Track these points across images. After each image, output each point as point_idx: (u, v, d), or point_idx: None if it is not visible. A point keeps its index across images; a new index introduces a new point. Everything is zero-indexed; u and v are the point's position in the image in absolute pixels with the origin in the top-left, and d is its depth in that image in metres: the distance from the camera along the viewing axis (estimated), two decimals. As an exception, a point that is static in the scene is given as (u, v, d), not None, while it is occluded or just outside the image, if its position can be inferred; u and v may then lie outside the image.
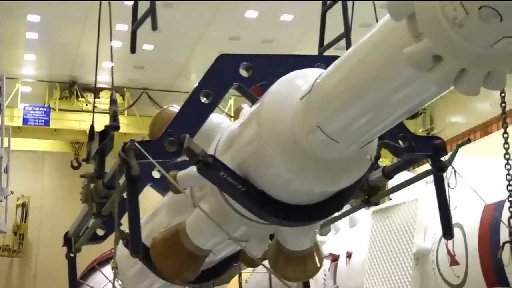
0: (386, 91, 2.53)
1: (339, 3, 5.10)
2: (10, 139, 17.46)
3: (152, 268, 4.14)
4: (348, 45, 4.69)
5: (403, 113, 2.72)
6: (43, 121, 29.89)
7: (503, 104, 5.85)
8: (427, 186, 8.61)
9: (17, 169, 28.05)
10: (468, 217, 7.36)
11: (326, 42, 5.19)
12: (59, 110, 30.39)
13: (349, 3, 5.23)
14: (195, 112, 3.62)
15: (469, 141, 4.41)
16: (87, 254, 6.94)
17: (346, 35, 4.92)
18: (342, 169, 3.04)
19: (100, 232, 5.19)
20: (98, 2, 5.48)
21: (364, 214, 10.61)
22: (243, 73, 3.72)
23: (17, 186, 28.81)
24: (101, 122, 4.62)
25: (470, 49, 2.06)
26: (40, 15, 24.94)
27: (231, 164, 3.42)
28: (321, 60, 3.25)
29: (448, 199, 4.07)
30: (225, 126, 3.96)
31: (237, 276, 11.98)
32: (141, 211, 3.62)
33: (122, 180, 3.73)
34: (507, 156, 5.83)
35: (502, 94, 5.83)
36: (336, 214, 4.62)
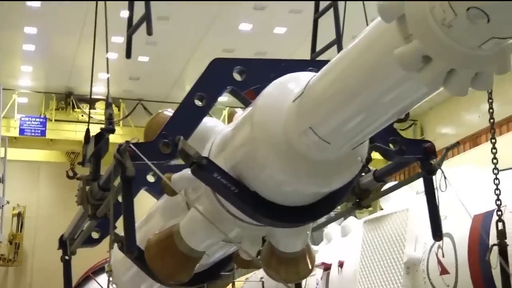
0: (377, 92, 2.54)
1: (331, 11, 5.13)
2: (6, 149, 17.40)
3: (146, 270, 4.13)
4: (340, 51, 4.70)
5: (394, 114, 2.73)
6: (39, 131, 29.81)
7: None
8: (418, 196, 8.62)
9: (13, 179, 27.92)
10: (457, 227, 7.37)
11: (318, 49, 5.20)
12: (55, 120, 30.31)
13: (341, 11, 5.24)
14: (189, 114, 3.63)
15: (457, 144, 4.44)
16: (84, 257, 6.90)
17: (338, 41, 4.94)
18: (334, 171, 3.05)
19: (95, 235, 5.18)
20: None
21: (355, 224, 10.61)
22: (237, 77, 3.73)
23: (13, 195, 28.64)
24: (97, 132, 4.61)
25: (458, 49, 2.07)
26: (37, 27, 24.95)
27: (225, 166, 3.42)
28: (313, 64, 3.26)
29: (437, 202, 4.08)
30: (218, 130, 3.97)
31: (230, 285, 11.92)
32: (136, 216, 3.61)
33: (117, 182, 3.73)
34: (494, 161, 5.84)
35: (491, 110, 5.86)
36: (329, 216, 4.63)
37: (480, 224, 6.98)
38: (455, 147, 4.34)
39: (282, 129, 3.01)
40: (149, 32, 4.29)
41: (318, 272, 10.79)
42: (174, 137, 3.51)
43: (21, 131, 29.50)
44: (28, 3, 23.27)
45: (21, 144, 29.66)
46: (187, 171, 3.55)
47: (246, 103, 3.70)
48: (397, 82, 2.42)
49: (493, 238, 6.29)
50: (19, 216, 32.41)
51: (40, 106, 30.87)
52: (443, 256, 7.55)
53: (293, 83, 3.11)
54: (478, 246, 6.94)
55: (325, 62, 2.97)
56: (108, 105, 4.49)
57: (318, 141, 2.86)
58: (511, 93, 26.07)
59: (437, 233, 4.09)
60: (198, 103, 3.64)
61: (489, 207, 6.19)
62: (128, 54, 4.69)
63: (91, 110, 26.90)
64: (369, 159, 3.50)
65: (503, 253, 5.81)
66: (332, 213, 4.22)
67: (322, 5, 5.38)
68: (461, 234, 7.28)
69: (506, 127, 25.64)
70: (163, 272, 3.87)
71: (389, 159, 3.94)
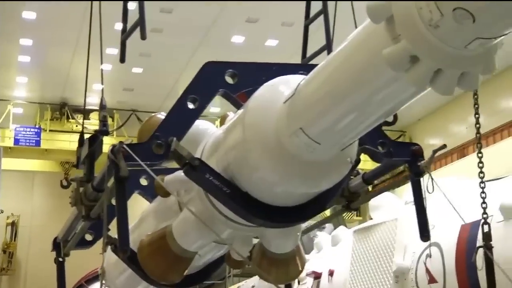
0: (366, 92, 2.56)
1: (321, 18, 5.17)
2: (1, 159, 17.36)
3: (139, 272, 4.12)
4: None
5: (383, 114, 2.74)
6: (34, 141, 29.75)
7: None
8: (407, 206, 8.64)
9: (7, 189, 27.80)
10: (445, 236, 7.38)
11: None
12: (50, 131, 30.27)
13: (332, 18, 5.29)
14: (182, 116, 3.63)
15: (444, 146, 4.47)
16: (78, 264, 6.86)
17: (328, 47, 4.97)
18: (324, 171, 3.06)
19: (88, 237, 5.17)
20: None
21: (345, 233, 10.61)
22: (229, 80, 3.73)
23: (7, 205, 28.49)
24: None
25: (445, 49, 2.09)
26: (32, 39, 24.95)
27: (217, 167, 3.43)
28: (304, 68, 3.27)
29: (425, 204, 4.10)
30: (211, 132, 3.97)
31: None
32: (129, 219, 3.60)
33: (110, 183, 3.72)
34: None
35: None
36: (319, 219, 4.61)
37: (468, 234, 7.00)
38: (442, 149, 4.37)
39: (273, 130, 3.02)
40: (143, 36, 4.30)
41: (308, 281, 10.77)
42: (167, 138, 3.51)
43: (16, 141, 29.43)
44: (24, 14, 23.27)
45: (15, 154, 29.59)
46: (180, 173, 3.55)
47: (238, 106, 3.70)
48: (386, 82, 2.44)
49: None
50: (13, 225, 32.25)
51: (35, 117, 30.81)
52: (431, 265, 7.56)
53: (284, 85, 3.12)
54: (465, 255, 6.96)
55: (316, 66, 2.98)
56: (102, 107, 4.49)
57: (308, 141, 2.88)
58: (497, 105, 26.24)
59: (424, 233, 4.10)
60: (190, 105, 3.64)
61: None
62: (122, 59, 4.69)
63: (85, 121, 26.88)
64: (358, 161, 3.51)
65: (488, 256, 5.86)
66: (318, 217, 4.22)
67: (313, 12, 5.42)
68: (449, 243, 7.30)
69: (492, 139, 25.78)
70: (155, 272, 3.86)
71: (378, 161, 3.95)
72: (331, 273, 10.25)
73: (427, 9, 2.03)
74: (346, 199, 4.33)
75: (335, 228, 12.96)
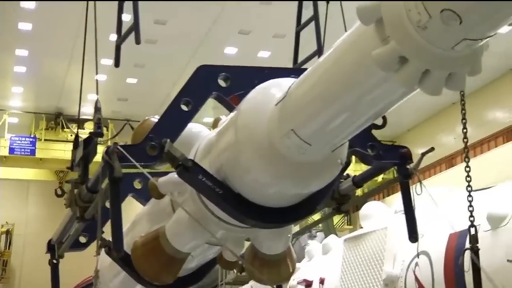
0: (356, 93, 2.57)
1: (312, 24, 5.21)
2: (-4, 168, 17.26)
3: (133, 274, 4.11)
4: None
5: (372, 115, 2.76)
6: (29, 150, 29.63)
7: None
8: (396, 215, 8.66)
9: (2, 197, 27.65)
10: (434, 245, 7.39)
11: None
12: (45, 140, 30.15)
13: (323, 24, 5.32)
14: (175, 118, 3.64)
15: (432, 149, 4.50)
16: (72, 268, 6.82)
17: (319, 53, 5.00)
18: (315, 172, 3.07)
19: (82, 239, 5.16)
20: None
21: (336, 242, 10.61)
22: (222, 83, 3.76)
23: (2, 213, 28.34)
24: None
25: (433, 50, 2.11)
26: (28, 49, 24.90)
27: (210, 169, 3.43)
28: (296, 72, 3.28)
29: (413, 205, 4.10)
30: (204, 135, 3.98)
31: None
32: (123, 222, 3.60)
33: (105, 184, 3.72)
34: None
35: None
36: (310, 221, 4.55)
37: (456, 242, 7.01)
38: (430, 152, 4.40)
39: (265, 132, 3.03)
40: (137, 41, 4.31)
41: (300, 289, 10.75)
42: (160, 140, 3.52)
43: (11, 150, 29.31)
44: (20, 26, 23.24)
45: (11, 163, 29.47)
46: (173, 175, 3.55)
47: (230, 109, 3.71)
48: (375, 83, 2.45)
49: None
50: (8, 233, 32.06)
51: (30, 126, 30.71)
52: (420, 273, 7.56)
53: (276, 88, 3.14)
54: (453, 264, 6.97)
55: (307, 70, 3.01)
56: (96, 110, 4.52)
57: (299, 143, 2.88)
58: (485, 117, 26.37)
59: (412, 234, 4.12)
60: (184, 107, 3.66)
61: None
62: (117, 64, 4.70)
63: (79, 130, 26.83)
64: (348, 163, 3.53)
65: (475, 255, 5.90)
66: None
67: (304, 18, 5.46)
68: (437, 252, 7.31)
69: (480, 149, 25.89)
70: (149, 273, 3.86)
71: (368, 163, 3.97)
72: (322, 281, 10.23)
73: (416, 11, 2.05)
74: (336, 202, 4.37)
75: (326, 237, 12.96)
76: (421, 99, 27.43)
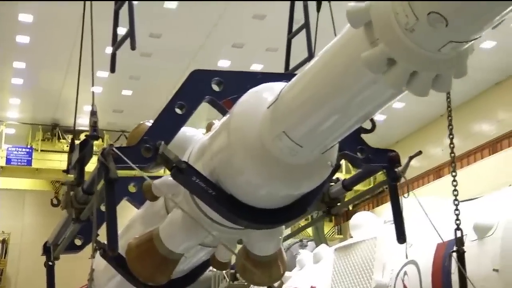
0: (346, 95, 2.58)
1: (303, 32, 5.25)
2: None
3: (127, 276, 4.10)
4: None
5: (362, 117, 2.77)
6: (26, 161, 29.55)
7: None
8: (385, 225, 8.66)
9: (-1, 207, 27.47)
10: (422, 254, 7.39)
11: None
12: (41, 150, 30.08)
13: (313, 30, 5.37)
14: (169, 121, 3.65)
15: (420, 152, 4.54)
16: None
17: (310, 59, 5.02)
18: (306, 174, 3.08)
19: (78, 242, 5.15)
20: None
21: (327, 251, 10.60)
22: (215, 87, 3.77)
23: (-2, 223, 28.09)
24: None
25: (420, 52, 2.13)
26: (25, 62, 24.89)
27: (203, 172, 3.44)
28: (287, 77, 3.31)
29: (401, 208, 4.12)
30: (197, 139, 3.99)
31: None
32: (118, 225, 3.60)
33: (100, 186, 3.72)
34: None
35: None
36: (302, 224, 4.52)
37: (443, 252, 7.01)
38: (418, 155, 4.45)
39: (257, 134, 3.05)
40: (133, 46, 4.33)
41: (291, 297, 10.71)
42: (155, 142, 3.53)
43: (8, 161, 29.22)
44: (18, 39, 23.22)
45: (7, 173, 29.37)
46: (168, 177, 3.57)
47: (223, 112, 3.73)
48: (365, 85, 2.47)
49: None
50: (4, 242, 31.84)
51: (27, 137, 30.64)
52: (409, 282, 7.55)
53: (268, 92, 3.15)
54: (441, 273, 6.97)
55: None
56: (92, 113, 4.52)
57: (291, 144, 2.90)
58: (471, 129, 26.49)
59: (400, 236, 4.14)
60: (178, 111, 3.67)
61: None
62: (112, 69, 4.71)
63: (76, 140, 26.74)
64: (338, 166, 3.54)
65: (460, 257, 5.95)
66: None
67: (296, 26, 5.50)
68: (425, 261, 7.31)
69: (466, 160, 25.97)
70: (143, 274, 3.87)
71: (357, 167, 3.99)
72: (312, 290, 10.20)
73: (403, 14, 2.08)
74: (326, 205, 4.39)
75: (317, 246, 12.94)
76: (410, 111, 27.55)
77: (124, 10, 4.54)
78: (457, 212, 5.79)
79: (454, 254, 6.09)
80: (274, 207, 3.38)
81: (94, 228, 3.94)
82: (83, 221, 4.34)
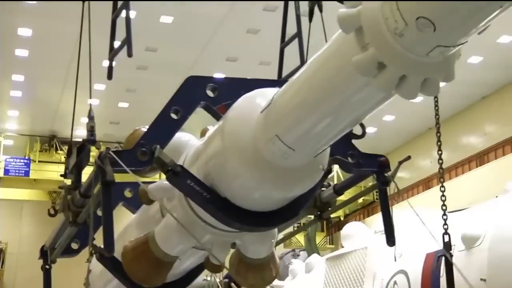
0: (337, 99, 2.59)
1: (296, 43, 5.28)
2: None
3: (123, 280, 4.09)
4: None
5: (353, 120, 2.78)
6: (23, 171, 29.48)
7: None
8: (376, 235, 8.65)
9: (-4, 217, 27.31)
10: (411, 264, 7.39)
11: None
12: (39, 161, 30.02)
13: (306, 39, 5.41)
14: (165, 126, 3.65)
15: (409, 157, 4.55)
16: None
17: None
18: (298, 177, 3.09)
19: (74, 246, 5.13)
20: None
21: (319, 261, 10.58)
22: (210, 93, 3.78)
23: (-5, 232, 27.94)
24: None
25: (408, 56, 2.15)
26: (24, 74, 24.89)
27: (198, 175, 3.45)
28: (280, 84, 3.33)
29: (391, 212, 4.13)
30: (192, 144, 3.99)
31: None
32: (114, 230, 3.59)
33: (97, 190, 3.72)
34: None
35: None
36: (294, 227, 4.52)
37: (432, 262, 7.01)
38: (407, 160, 4.46)
39: (251, 138, 3.05)
40: (129, 54, 4.33)
41: (283, 306, 10.67)
42: (151, 146, 3.53)
43: (6, 171, 29.14)
44: (17, 52, 23.23)
45: (5, 184, 29.28)
46: (163, 181, 3.57)
47: (217, 118, 3.74)
48: (356, 88, 2.48)
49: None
50: (1, 252, 31.64)
51: (25, 148, 30.57)
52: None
53: (261, 97, 3.17)
54: (430, 282, 6.96)
55: None
56: (90, 118, 4.52)
57: (283, 148, 2.90)
58: (459, 142, 26.60)
59: (390, 239, 4.15)
60: (173, 116, 3.67)
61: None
62: (110, 76, 4.72)
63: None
64: (329, 170, 3.55)
65: (448, 261, 5.96)
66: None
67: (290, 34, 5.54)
68: (415, 271, 7.30)
69: (455, 172, 26.06)
70: (138, 276, 3.86)
71: (348, 171, 4.00)
72: (304, 299, 10.16)
73: (393, 19, 2.10)
74: (318, 209, 4.40)
75: (309, 256, 12.92)
76: (400, 124, 27.64)
77: (120, 21, 4.55)
78: (445, 217, 5.82)
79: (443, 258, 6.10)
80: (267, 210, 3.39)
81: (90, 230, 3.94)
82: (79, 224, 4.35)
